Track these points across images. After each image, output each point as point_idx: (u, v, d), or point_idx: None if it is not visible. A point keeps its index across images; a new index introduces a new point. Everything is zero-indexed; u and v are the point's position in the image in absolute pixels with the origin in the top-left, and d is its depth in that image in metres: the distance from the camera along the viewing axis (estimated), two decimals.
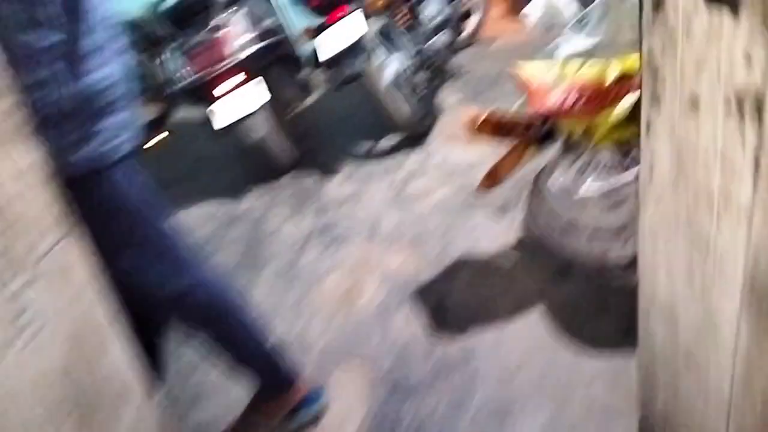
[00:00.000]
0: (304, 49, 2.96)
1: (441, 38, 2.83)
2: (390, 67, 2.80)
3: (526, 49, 3.74)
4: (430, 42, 2.88)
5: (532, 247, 1.90)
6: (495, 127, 1.69)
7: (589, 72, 1.59)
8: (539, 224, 1.82)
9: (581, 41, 2.19)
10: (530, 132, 1.68)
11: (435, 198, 2.42)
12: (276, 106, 3.01)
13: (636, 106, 1.56)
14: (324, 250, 2.29)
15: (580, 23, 2.23)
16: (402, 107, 2.73)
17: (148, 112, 3.92)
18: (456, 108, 3.17)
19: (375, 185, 2.67)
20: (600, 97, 1.51)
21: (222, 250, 2.51)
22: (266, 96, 2.63)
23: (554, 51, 2.62)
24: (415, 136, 2.91)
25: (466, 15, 3.53)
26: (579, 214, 1.63)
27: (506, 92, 3.18)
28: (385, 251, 2.17)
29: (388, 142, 3.02)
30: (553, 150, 1.67)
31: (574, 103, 1.55)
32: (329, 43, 2.58)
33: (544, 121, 1.66)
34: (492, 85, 3.32)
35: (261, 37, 2.70)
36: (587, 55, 2.15)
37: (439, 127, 3.00)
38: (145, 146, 3.13)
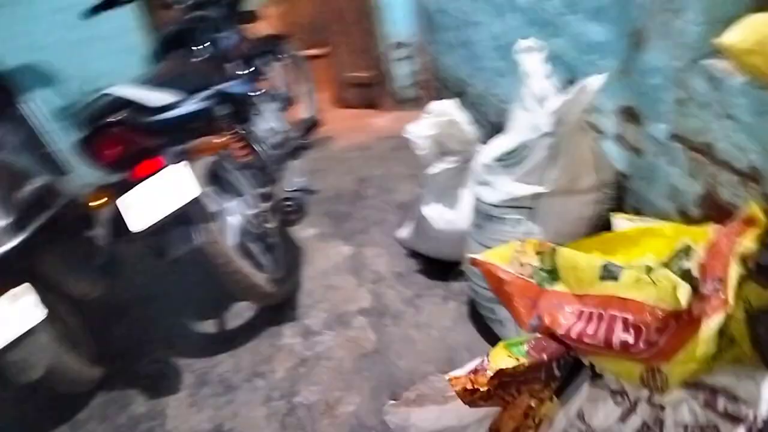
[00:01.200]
0: (99, 217, 1.96)
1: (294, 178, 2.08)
2: (232, 220, 1.98)
3: (378, 153, 3.12)
4: (277, 174, 2.13)
5: None
6: (496, 389, 1.01)
7: (631, 283, 0.99)
8: None
9: (511, 185, 1.62)
10: (542, 378, 1.04)
11: (343, 413, 1.65)
12: (64, 305, 1.96)
13: (721, 331, 1.02)
14: None
15: (507, 159, 1.68)
16: (253, 270, 1.93)
17: None
18: (319, 248, 2.43)
19: (243, 401, 1.79)
20: (675, 327, 0.93)
21: None
22: (39, 312, 1.61)
23: (449, 183, 2.01)
24: (277, 304, 2.11)
25: (310, 126, 2.86)
26: None
27: (372, 216, 2.56)
28: None
29: (239, 320, 2.16)
30: (578, 396, 1.05)
31: (631, 340, 0.95)
32: (141, 208, 1.69)
33: (559, 357, 1.04)
34: (352, 206, 2.67)
35: (21, 217, 1.66)
36: (527, 204, 1.61)
37: (306, 283, 2.24)
38: None
